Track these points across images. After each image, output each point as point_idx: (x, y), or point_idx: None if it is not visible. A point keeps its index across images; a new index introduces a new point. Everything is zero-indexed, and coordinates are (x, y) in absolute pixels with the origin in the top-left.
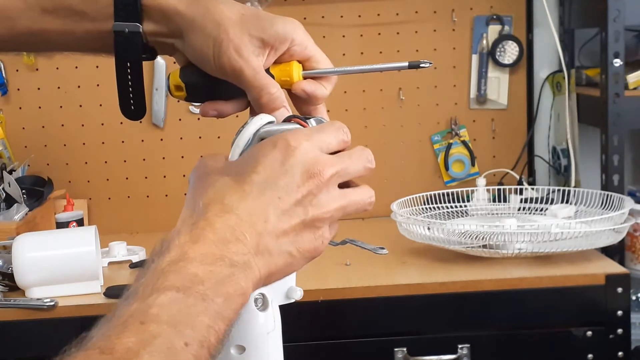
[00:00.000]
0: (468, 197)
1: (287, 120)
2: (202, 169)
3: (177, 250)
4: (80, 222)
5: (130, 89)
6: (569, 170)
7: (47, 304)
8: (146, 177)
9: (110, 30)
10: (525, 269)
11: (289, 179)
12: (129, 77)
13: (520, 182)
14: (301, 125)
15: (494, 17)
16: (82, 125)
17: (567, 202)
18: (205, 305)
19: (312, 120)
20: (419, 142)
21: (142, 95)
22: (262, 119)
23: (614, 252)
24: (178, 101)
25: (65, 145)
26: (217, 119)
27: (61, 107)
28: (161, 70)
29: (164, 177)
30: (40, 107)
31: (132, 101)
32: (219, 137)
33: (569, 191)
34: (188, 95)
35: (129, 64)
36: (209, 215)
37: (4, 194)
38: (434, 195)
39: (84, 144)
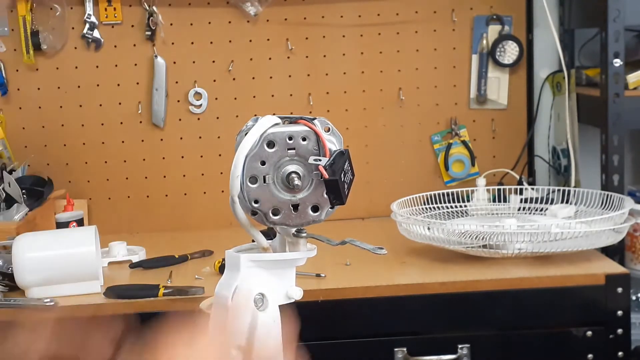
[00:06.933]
0: (468, 197)
1: (294, 122)
2: None
3: None
4: (80, 222)
5: None
6: (569, 170)
7: (47, 304)
8: (146, 177)
9: None
10: (525, 269)
11: None
12: None
13: (520, 182)
14: (308, 126)
15: (494, 17)
16: (82, 125)
17: (567, 202)
18: None
19: (316, 121)
20: (419, 142)
21: None
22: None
23: (614, 252)
24: (178, 101)
25: (65, 145)
26: (217, 118)
27: (61, 107)
28: (161, 71)
29: (164, 177)
30: (40, 107)
31: None
32: (219, 137)
33: (569, 191)
34: None
35: None
36: None
37: (4, 194)
38: (434, 195)
39: (84, 144)
